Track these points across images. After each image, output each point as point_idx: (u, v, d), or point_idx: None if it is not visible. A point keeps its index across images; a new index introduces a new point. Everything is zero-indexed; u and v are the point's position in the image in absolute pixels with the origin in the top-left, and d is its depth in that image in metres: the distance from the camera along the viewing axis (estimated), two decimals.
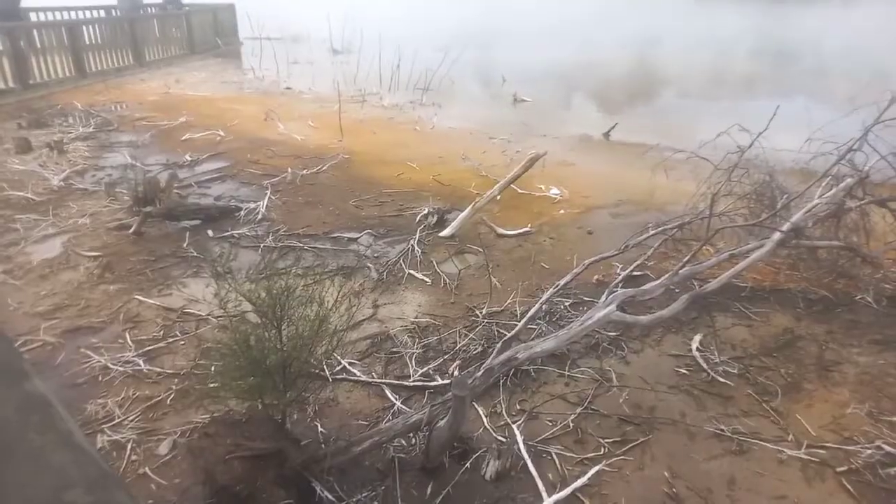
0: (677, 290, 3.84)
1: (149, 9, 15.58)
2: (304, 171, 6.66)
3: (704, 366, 3.34)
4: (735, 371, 3.34)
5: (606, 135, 8.80)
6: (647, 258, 4.20)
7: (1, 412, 1.05)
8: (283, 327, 2.44)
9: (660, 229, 4.21)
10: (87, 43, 11.72)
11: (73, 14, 13.23)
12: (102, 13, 14.52)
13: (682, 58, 18.73)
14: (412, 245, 4.84)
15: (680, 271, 3.35)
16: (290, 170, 6.59)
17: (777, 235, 3.68)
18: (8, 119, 8.52)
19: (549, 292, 3.56)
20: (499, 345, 3.12)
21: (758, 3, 31.54)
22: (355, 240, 5.07)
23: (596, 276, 4.33)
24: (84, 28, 11.86)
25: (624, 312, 3.01)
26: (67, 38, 11.20)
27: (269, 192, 5.94)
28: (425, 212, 5.48)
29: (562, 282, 3.64)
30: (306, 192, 6.12)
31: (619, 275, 4.12)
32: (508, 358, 2.66)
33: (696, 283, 3.99)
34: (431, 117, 9.91)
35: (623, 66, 17.01)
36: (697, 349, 3.50)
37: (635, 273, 4.25)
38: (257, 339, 2.40)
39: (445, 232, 5.13)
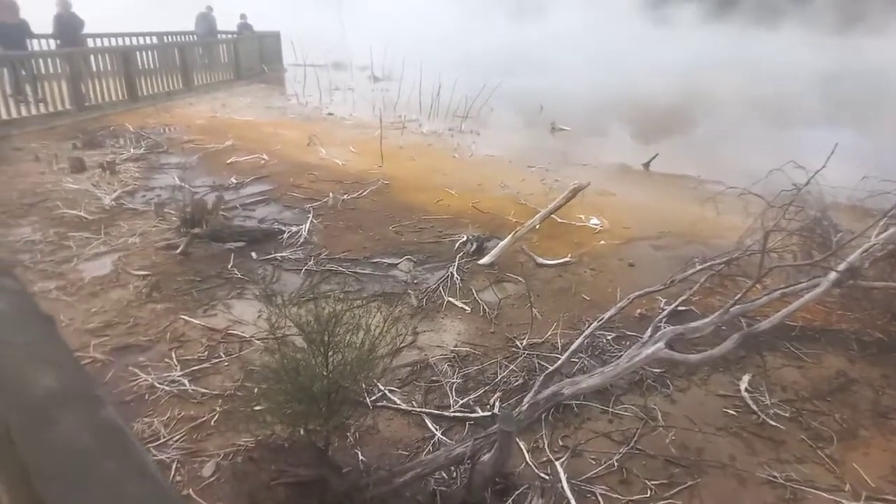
0: (724, 328, 3.75)
1: (222, 34, 16.27)
2: (345, 196, 6.75)
3: (754, 407, 3.24)
4: (787, 414, 3.23)
5: (646, 165, 8.73)
6: (692, 293, 4.12)
7: (78, 439, 1.07)
8: (329, 353, 2.45)
9: (707, 264, 4.13)
10: (140, 68, 12.20)
11: (128, 40, 13.90)
12: (155, 39, 15.20)
13: (715, 85, 18.58)
14: (451, 272, 4.84)
15: (730, 309, 3.27)
16: (331, 194, 6.69)
17: (832, 275, 3.57)
18: (64, 139, 8.88)
19: (592, 326, 3.52)
20: (541, 378, 3.08)
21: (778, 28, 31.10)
22: (395, 265, 5.10)
23: (639, 310, 4.26)
24: (138, 54, 12.35)
25: (672, 350, 2.94)
26: (122, 64, 11.68)
27: (311, 215, 6.03)
28: (464, 239, 5.49)
29: (605, 315, 3.59)
30: (347, 217, 6.19)
31: (663, 309, 4.04)
32: (554, 393, 2.62)
33: (742, 321, 3.89)
34: (470, 144, 9.99)
35: (659, 95, 16.93)
36: (746, 390, 3.39)
37: (680, 308, 4.16)
38: (304, 365, 2.42)
39: (485, 260, 5.12)
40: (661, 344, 2.86)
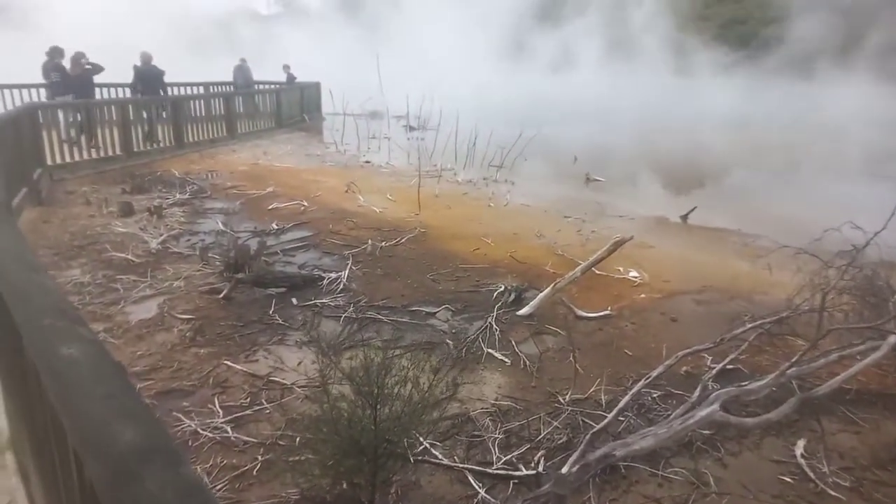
0: (774, 389, 3.62)
1: (260, 84, 16.98)
2: (383, 243, 6.83)
3: (812, 475, 3.09)
4: (846, 484, 3.07)
5: (684, 218, 8.66)
6: (740, 352, 4.01)
7: (162, 497, 1.07)
8: (378, 406, 2.44)
9: (757, 323, 4.03)
10: (187, 116, 12.72)
11: (178, 90, 14.62)
12: (201, 89, 15.92)
13: (746, 138, 18.59)
14: (490, 323, 4.81)
15: (786, 371, 3.17)
16: (370, 241, 6.77)
17: (892, 339, 3.45)
18: (113, 184, 9.23)
19: (639, 384, 3.44)
20: (587, 437, 3.00)
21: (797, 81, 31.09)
22: (433, 314, 5.09)
23: (684, 368, 4.15)
24: (186, 103, 12.91)
25: (727, 412, 2.85)
26: (171, 112, 12.20)
27: (349, 262, 6.10)
28: (502, 289, 5.47)
29: (653, 373, 3.51)
30: (385, 264, 6.24)
31: (711, 367, 3.93)
32: (605, 454, 2.55)
33: (794, 383, 3.76)
34: (505, 194, 10.07)
35: (692, 146, 16.99)
36: (802, 455, 3.25)
37: (728, 366, 4.05)
38: (353, 418, 2.41)
39: (524, 311, 5.09)
40: (715, 406, 2.78)
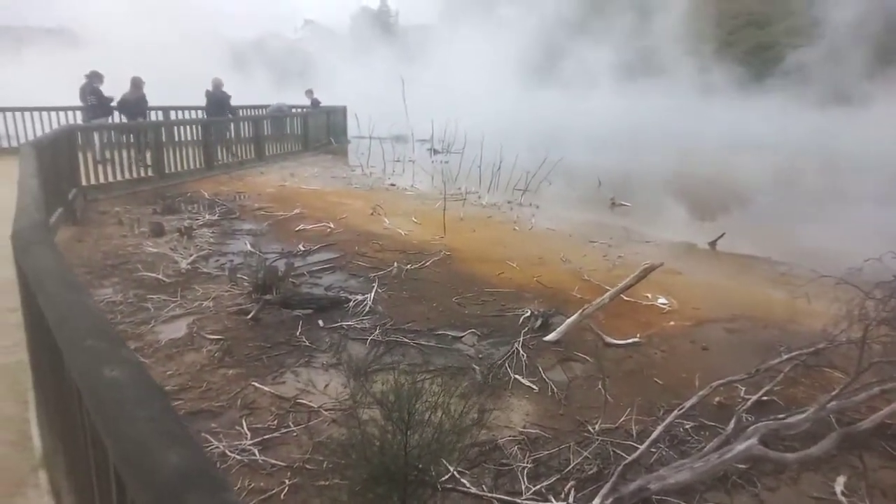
0: (813, 423, 3.51)
1: (292, 109, 17.36)
2: (409, 266, 6.83)
3: None
4: None
5: (712, 244, 8.55)
6: (775, 383, 3.90)
7: None
8: (409, 433, 2.41)
9: (793, 354, 3.93)
10: (217, 138, 13.01)
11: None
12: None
13: (773, 162, 18.37)
14: (517, 348, 4.77)
15: (827, 405, 3.07)
16: (395, 264, 6.78)
17: None
18: (145, 205, 9.43)
19: (672, 415, 3.36)
20: (619, 468, 2.93)
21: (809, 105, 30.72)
22: (459, 339, 5.06)
23: (717, 398, 4.05)
24: (215, 126, 13.20)
25: (766, 447, 2.76)
26: (201, 135, 12.48)
27: (375, 284, 6.11)
28: (528, 314, 5.43)
29: (686, 404, 3.43)
30: (410, 287, 6.24)
31: (745, 399, 3.84)
32: (640, 488, 2.49)
33: (833, 417, 3.64)
34: (530, 218, 10.05)
35: (718, 171, 16.86)
36: (842, 493, 3.13)
37: (762, 398, 3.95)
38: (385, 444, 2.38)
39: (551, 336, 5.03)
40: (754, 440, 2.70)
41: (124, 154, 10.57)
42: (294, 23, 55.00)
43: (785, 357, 3.94)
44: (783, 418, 3.18)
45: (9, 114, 13.25)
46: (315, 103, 18.45)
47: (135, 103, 12.43)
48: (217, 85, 14.65)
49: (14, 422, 3.28)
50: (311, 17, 53.41)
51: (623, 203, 11.59)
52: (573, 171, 14.76)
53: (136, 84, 12.48)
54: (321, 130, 17.88)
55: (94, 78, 11.87)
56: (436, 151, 18.29)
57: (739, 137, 24.20)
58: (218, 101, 14.49)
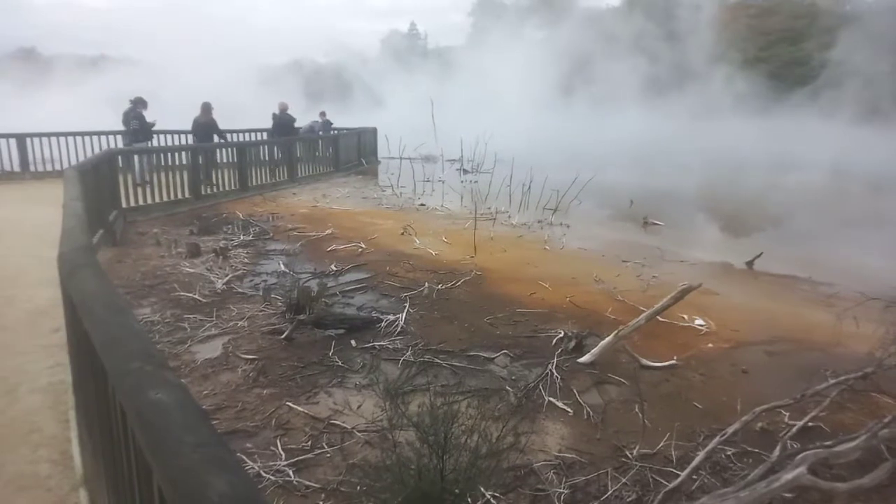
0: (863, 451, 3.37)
1: (318, 132, 17.69)
2: (440, 286, 6.83)
3: None
4: None
5: (750, 264, 8.35)
6: (821, 409, 3.77)
7: None
8: (445, 457, 2.39)
9: (840, 379, 3.79)
10: (251, 160, 13.29)
11: (241, 136, 15.46)
12: (265, 135, 16.62)
13: (807, 180, 17.95)
14: (550, 370, 4.70)
15: (878, 433, 2.95)
16: (426, 284, 6.79)
17: None
18: (182, 226, 9.64)
19: (713, 441, 3.26)
20: (660, 496, 2.85)
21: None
22: (492, 360, 5.02)
23: (760, 424, 3.92)
24: (250, 149, 13.50)
25: (815, 476, 2.66)
26: (237, 157, 12.77)
27: (406, 304, 6.11)
28: (562, 335, 5.36)
29: (729, 430, 3.33)
30: (442, 307, 6.23)
31: (790, 425, 3.71)
32: None
33: (884, 445, 3.49)
34: (560, 237, 9.98)
35: (752, 189, 16.56)
36: None
37: (807, 424, 3.81)
38: (420, 468, 2.36)
39: (585, 358, 4.96)
40: (802, 468, 2.60)
41: (163, 176, 10.87)
42: (325, 46, 56.25)
43: (831, 382, 3.81)
44: (831, 446, 3.06)
45: (45, 139, 13.85)
46: (327, 125, 18.65)
47: (204, 126, 13.31)
48: (283, 108, 15.69)
49: (56, 441, 3.35)
50: (342, 40, 54.62)
51: (656, 222, 11.43)
52: (604, 190, 14.65)
53: (206, 109, 13.41)
54: (352, 151, 18.12)
55: (139, 104, 12.42)
56: (465, 171, 18.38)
57: (772, 155, 23.80)
58: (284, 124, 15.50)
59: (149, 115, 12.57)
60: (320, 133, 17.48)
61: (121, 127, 13.04)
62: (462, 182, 16.42)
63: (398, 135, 18.51)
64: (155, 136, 13.50)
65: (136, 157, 10.95)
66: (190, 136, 14.20)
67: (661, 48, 39.03)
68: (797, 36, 40.59)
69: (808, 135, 28.71)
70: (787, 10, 42.64)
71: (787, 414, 3.98)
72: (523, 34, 39.02)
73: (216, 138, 13.43)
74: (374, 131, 19.72)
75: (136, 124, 12.24)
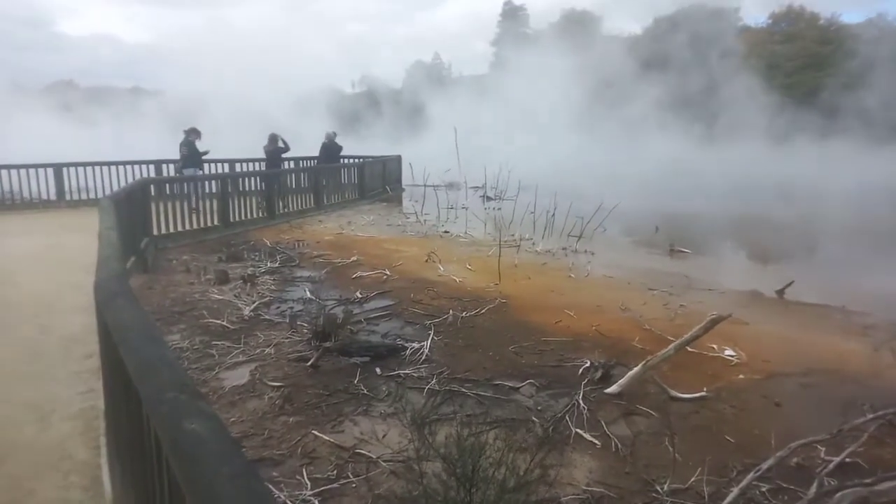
0: None
1: (343, 160, 18.12)
2: (464, 314, 6.82)
3: None
4: None
5: (780, 293, 8.19)
6: (859, 444, 3.65)
7: None
8: (472, 490, 2.36)
9: (880, 413, 3.68)
10: (279, 188, 13.55)
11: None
12: (292, 164, 16.96)
13: (836, 207, 17.61)
14: (577, 401, 4.64)
15: None
16: (451, 311, 6.78)
17: None
18: (211, 253, 9.81)
19: (748, 476, 3.18)
20: None
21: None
22: (517, 389, 4.97)
23: (795, 459, 3.81)
24: (278, 177, 13.77)
25: None
26: (264, 185, 13.03)
27: (431, 332, 6.11)
28: (588, 365, 5.30)
29: (764, 465, 3.24)
30: (466, 335, 6.21)
31: (826, 461, 3.59)
32: None
33: None
34: (585, 264, 9.91)
35: (780, 216, 16.30)
36: None
37: (845, 460, 3.69)
38: (448, 502, 2.34)
39: (612, 389, 4.88)
40: None
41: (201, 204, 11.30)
42: (351, 76, 57.56)
43: (870, 416, 3.69)
44: (871, 484, 2.95)
45: (80, 168, 14.38)
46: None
47: (272, 154, 14.82)
48: (330, 137, 17.02)
49: (87, 467, 3.40)
50: (367, 71, 55.75)
51: (682, 249, 11.30)
52: (629, 217, 14.56)
53: (273, 139, 14.77)
54: (377, 179, 18.34)
55: (192, 133, 13.31)
56: (489, 198, 18.45)
57: (799, 179, 23.46)
58: (331, 152, 16.87)
59: (201, 145, 13.33)
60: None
61: (151, 156, 13.74)
62: (486, 209, 16.48)
63: (422, 162, 18.72)
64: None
65: (186, 185, 11.64)
66: (219, 164, 14.85)
67: (686, 75, 39.03)
68: (822, 62, 40.32)
69: (836, 160, 28.30)
70: (811, 36, 42.45)
71: (824, 449, 3.85)
72: (546, 62, 39.36)
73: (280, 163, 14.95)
74: (398, 159, 19.96)
75: (185, 150, 12.95)
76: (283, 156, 15.30)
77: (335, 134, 17.35)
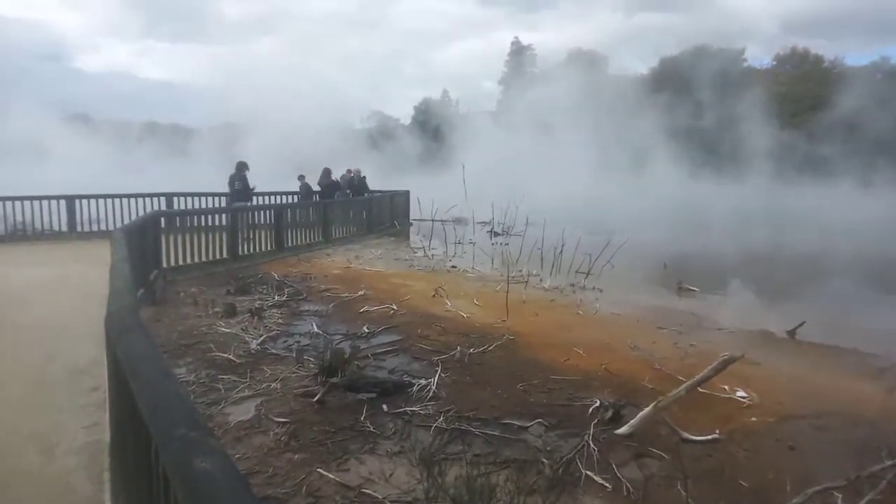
0: None
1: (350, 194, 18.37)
2: (472, 350, 6.76)
3: None
4: None
5: (791, 333, 8.10)
6: (877, 492, 3.56)
7: None
8: None
9: None
10: (288, 222, 13.66)
11: (277, 199, 16.05)
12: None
13: (847, 244, 17.52)
14: (587, 441, 4.56)
15: None
16: (458, 348, 6.74)
17: None
18: (219, 286, 9.83)
19: None
20: None
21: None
22: (526, 429, 4.90)
23: None
24: (287, 211, 13.90)
25: None
26: (273, 219, 13.13)
27: (438, 369, 6.06)
28: (598, 404, 5.22)
29: None
30: (474, 372, 6.15)
31: None
32: None
33: None
34: (593, 301, 9.86)
35: (790, 255, 16.24)
36: None
37: None
38: None
39: (622, 430, 4.80)
40: None
41: (203, 237, 11.25)
42: (361, 112, 58.53)
43: (888, 463, 3.61)
44: None
45: (92, 200, 14.61)
46: (340, 183, 19.24)
47: (327, 187, 16.30)
48: (356, 172, 18.36)
49: (90, 502, 3.35)
50: (377, 107, 56.76)
51: (691, 287, 11.24)
52: (637, 254, 14.53)
53: (326, 173, 16.18)
54: (385, 213, 18.48)
55: (242, 167, 13.82)
56: (496, 234, 18.50)
57: (807, 218, 23.45)
58: (355, 186, 17.99)
59: (249, 179, 14.26)
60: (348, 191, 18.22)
61: (160, 189, 14.21)
62: (493, 244, 16.51)
63: (430, 197, 18.84)
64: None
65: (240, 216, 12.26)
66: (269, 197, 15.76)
67: (692, 114, 39.48)
68: (826, 102, 40.73)
69: (842, 198, 28.32)
70: (817, 76, 43.01)
71: (840, 496, 3.76)
72: (553, 101, 39.95)
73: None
74: (406, 194, 20.13)
75: (239, 185, 13.55)
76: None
77: (359, 170, 18.75)
